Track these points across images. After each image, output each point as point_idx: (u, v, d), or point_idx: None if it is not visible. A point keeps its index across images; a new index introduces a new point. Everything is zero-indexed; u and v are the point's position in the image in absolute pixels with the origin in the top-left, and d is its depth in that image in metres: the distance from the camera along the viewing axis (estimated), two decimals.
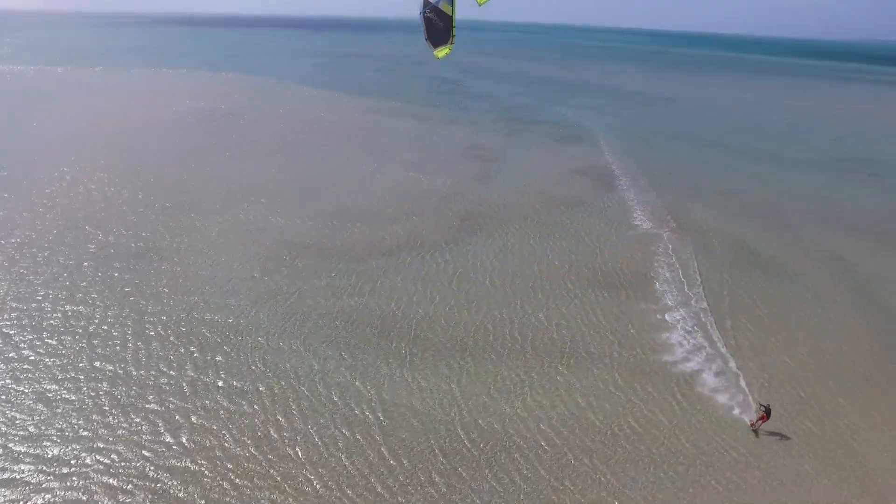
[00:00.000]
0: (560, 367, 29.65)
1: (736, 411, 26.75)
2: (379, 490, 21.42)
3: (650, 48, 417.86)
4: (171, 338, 30.69)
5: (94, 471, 21.70)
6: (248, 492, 21.04)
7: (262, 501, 20.65)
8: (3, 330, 30.74)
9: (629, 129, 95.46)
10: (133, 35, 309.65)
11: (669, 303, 36.72)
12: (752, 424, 25.77)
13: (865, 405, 28.13)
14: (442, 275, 39.52)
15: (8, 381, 26.64)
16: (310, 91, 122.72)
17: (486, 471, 22.64)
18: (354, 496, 21.10)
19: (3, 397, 25.56)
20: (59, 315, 32.33)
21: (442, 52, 19.68)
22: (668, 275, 40.69)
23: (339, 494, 21.14)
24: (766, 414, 25.25)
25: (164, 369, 28.03)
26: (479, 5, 19.90)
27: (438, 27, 19.38)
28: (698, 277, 40.48)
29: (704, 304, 36.64)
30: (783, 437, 25.33)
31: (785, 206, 58.63)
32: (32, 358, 28.40)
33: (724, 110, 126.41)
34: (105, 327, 31.37)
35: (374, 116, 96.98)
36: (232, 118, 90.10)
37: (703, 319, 34.82)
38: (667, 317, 34.90)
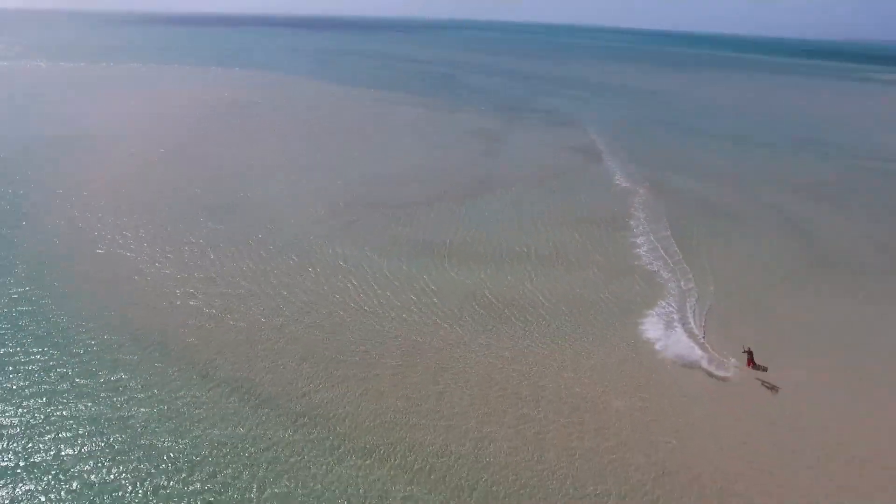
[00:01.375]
0: (555, 268, 40.78)
1: (682, 285, 38.01)
2: (440, 324, 32.41)
3: (644, 47, 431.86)
4: (274, 251, 41.60)
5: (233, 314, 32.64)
6: (352, 322, 32.01)
7: (362, 323, 31.68)
8: (163, 249, 41.54)
9: (615, 118, 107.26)
10: (131, 34, 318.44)
11: (639, 232, 48.08)
12: (748, 365, 29.25)
13: (780, 291, 39.43)
14: (464, 216, 50.57)
15: (176, 270, 37.49)
16: (321, 85, 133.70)
17: (506, 313, 33.74)
18: (423, 328, 32.09)
19: (188, 272, 36.43)
20: (184, 243, 43.17)
21: None
22: (640, 215, 52.05)
23: (409, 326, 32.16)
24: (751, 356, 29.28)
25: (282, 265, 38.97)
26: None
27: None
28: (664, 217, 51.86)
29: (668, 233, 47.98)
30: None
31: (745, 175, 70.21)
32: (173, 259, 39.26)
33: (705, 102, 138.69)
34: (216, 250, 42.21)
35: (385, 106, 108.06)
36: (262, 107, 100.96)
37: (666, 242, 46.12)
38: (637, 240, 46.25)
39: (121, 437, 23.02)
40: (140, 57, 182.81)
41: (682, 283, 39.02)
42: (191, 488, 20.63)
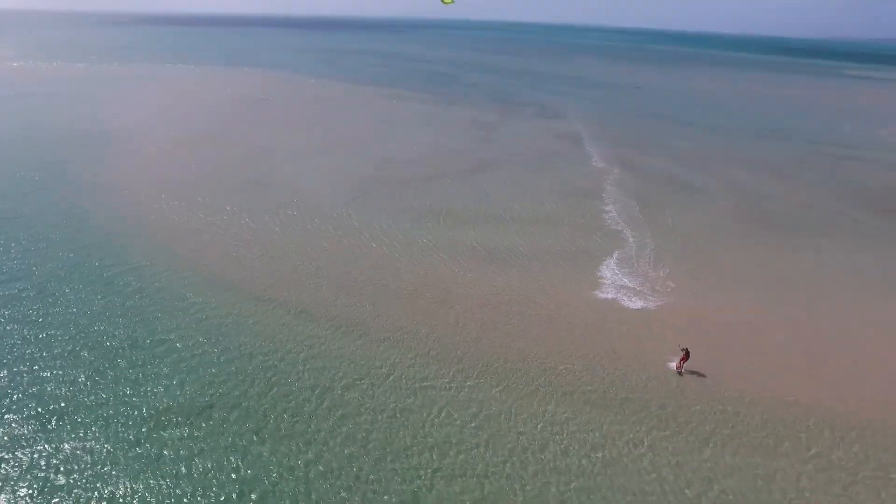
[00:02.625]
0: (534, 227, 49.20)
1: (638, 239, 46.47)
2: (440, 265, 40.75)
3: (631, 45, 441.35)
4: (298, 215, 49.90)
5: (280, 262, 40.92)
6: (355, 253, 40.32)
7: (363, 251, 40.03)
8: (209, 214, 49.82)
9: (599, 109, 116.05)
10: (126, 35, 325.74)
11: (609, 201, 56.61)
12: (676, 367, 28.96)
13: (721, 242, 47.92)
14: (463, 190, 59.01)
15: (221, 230, 45.78)
16: (325, 82, 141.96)
17: (492, 258, 42.17)
18: (428, 267, 40.42)
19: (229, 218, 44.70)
20: (223, 210, 51.51)
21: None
22: (612, 189, 60.63)
23: (417, 265, 40.50)
24: (686, 355, 28.71)
25: (307, 225, 47.29)
26: (445, 4, 27.63)
27: None
28: (633, 190, 60.39)
29: (634, 202, 56.48)
30: (699, 375, 30.23)
31: (709, 156, 78.93)
32: (218, 222, 47.57)
33: (683, 95, 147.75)
34: (251, 214, 50.52)
35: (387, 101, 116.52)
36: (274, 102, 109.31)
37: (631, 208, 54.62)
38: (606, 207, 54.78)
39: (202, 338, 31.43)
40: (147, 58, 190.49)
41: (639, 237, 47.57)
42: (252, 367, 29.09)
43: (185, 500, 20.74)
